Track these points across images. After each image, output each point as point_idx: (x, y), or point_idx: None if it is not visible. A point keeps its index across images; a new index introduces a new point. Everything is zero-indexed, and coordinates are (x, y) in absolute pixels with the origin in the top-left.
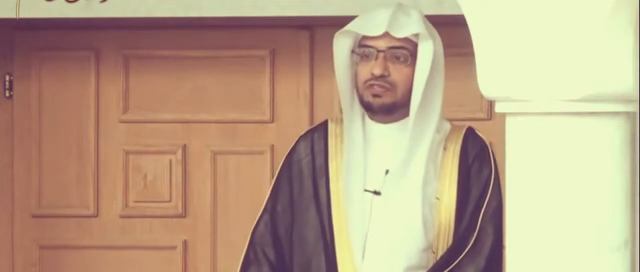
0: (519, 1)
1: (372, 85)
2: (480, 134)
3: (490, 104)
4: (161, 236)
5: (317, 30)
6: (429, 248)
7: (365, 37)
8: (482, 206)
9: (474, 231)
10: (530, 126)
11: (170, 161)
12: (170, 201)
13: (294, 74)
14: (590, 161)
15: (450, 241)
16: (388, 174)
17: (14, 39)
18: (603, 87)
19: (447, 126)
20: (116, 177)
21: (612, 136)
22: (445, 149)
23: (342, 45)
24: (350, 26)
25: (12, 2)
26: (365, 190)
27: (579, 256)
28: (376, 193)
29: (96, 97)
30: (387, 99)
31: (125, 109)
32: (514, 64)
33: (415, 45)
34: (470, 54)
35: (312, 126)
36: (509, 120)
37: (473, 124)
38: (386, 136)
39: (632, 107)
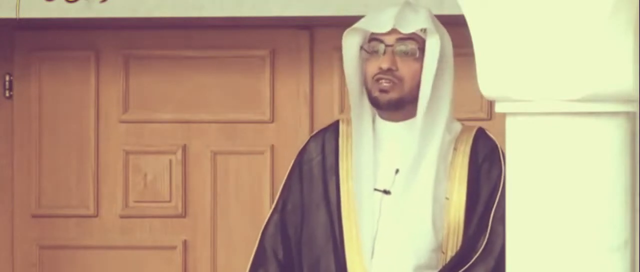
0: (519, 1)
1: (379, 80)
2: (491, 135)
3: (490, 104)
4: (161, 236)
5: (317, 30)
6: (439, 248)
7: (373, 34)
8: (492, 207)
9: (485, 232)
10: (530, 126)
11: (170, 161)
12: (170, 201)
13: (294, 74)
14: (590, 161)
15: (460, 241)
16: (398, 174)
17: (14, 39)
18: (603, 87)
19: (458, 127)
20: (116, 177)
21: (612, 136)
22: (455, 149)
23: (351, 43)
24: (358, 24)
25: (12, 2)
26: (375, 189)
27: (579, 256)
28: (386, 192)
29: (96, 97)
30: (394, 95)
31: (125, 109)
32: (514, 64)
33: (424, 41)
34: (470, 54)
35: (323, 127)
36: (509, 120)
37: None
38: (395, 135)
39: (632, 107)
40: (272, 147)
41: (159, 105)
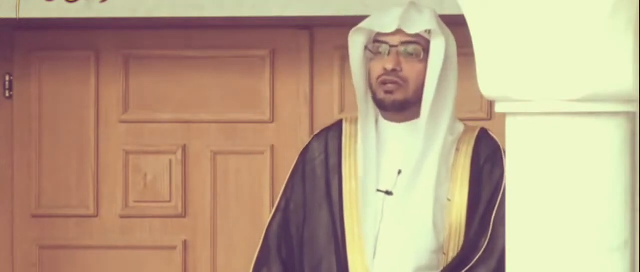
0: (519, 1)
1: (384, 81)
2: (494, 136)
3: (490, 104)
4: (161, 236)
5: (317, 30)
6: (440, 249)
7: (378, 34)
8: (493, 208)
9: (486, 233)
10: (530, 126)
11: (170, 161)
12: (170, 201)
13: (294, 74)
14: (590, 161)
15: (461, 243)
16: (400, 175)
17: (14, 39)
18: (603, 87)
19: (460, 127)
20: (116, 177)
21: (612, 136)
22: (457, 150)
23: (356, 43)
24: (363, 24)
25: (12, 2)
26: (378, 190)
27: (579, 256)
28: (388, 193)
29: (96, 97)
30: (399, 96)
31: (125, 109)
32: (514, 64)
33: (428, 42)
34: (470, 54)
35: (326, 126)
36: (509, 120)
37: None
38: (399, 136)
39: (632, 107)
40: (272, 147)
41: (159, 105)
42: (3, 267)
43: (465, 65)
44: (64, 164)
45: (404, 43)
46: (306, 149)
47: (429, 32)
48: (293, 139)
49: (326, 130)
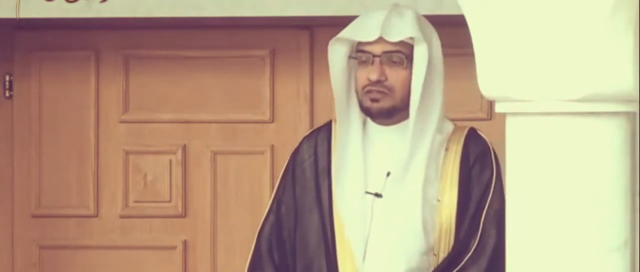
0: (519, 1)
1: (370, 91)
2: (483, 135)
3: (490, 104)
4: (161, 236)
5: (317, 30)
6: (430, 251)
7: (361, 43)
8: (483, 208)
9: (476, 234)
10: (530, 126)
11: (170, 161)
12: (170, 201)
13: (294, 74)
14: (590, 161)
15: (452, 243)
16: (389, 177)
17: (14, 39)
18: (603, 87)
19: (450, 127)
20: (116, 177)
21: (612, 136)
22: (447, 149)
23: (337, 51)
24: (344, 33)
25: (12, 2)
26: (367, 192)
27: (579, 256)
28: (377, 195)
29: (96, 97)
30: (385, 104)
31: (125, 109)
32: (514, 64)
33: (412, 47)
34: (470, 54)
35: (316, 127)
36: (509, 120)
37: (473, 124)
38: (387, 138)
39: (632, 107)
40: (272, 147)
41: (159, 105)
42: (3, 267)
43: (465, 65)
44: (64, 164)
45: (387, 52)
46: (296, 151)
47: (412, 37)
48: (293, 139)
49: (316, 131)
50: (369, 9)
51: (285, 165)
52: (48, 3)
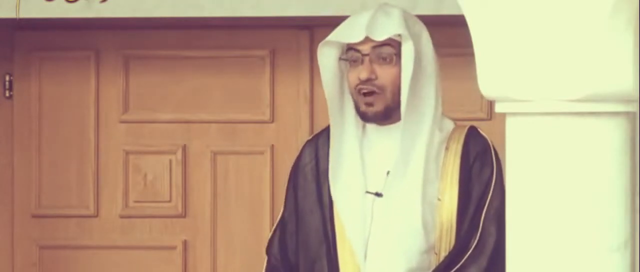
0: (519, 1)
1: (361, 91)
2: (483, 133)
3: (490, 104)
4: (161, 236)
5: (317, 30)
6: (431, 249)
7: (350, 42)
8: (484, 207)
9: (476, 232)
10: (530, 126)
11: (170, 161)
12: (170, 201)
13: (294, 74)
14: (590, 161)
15: (453, 242)
16: (389, 176)
17: (14, 39)
18: (603, 87)
19: (450, 125)
20: (116, 177)
21: (612, 136)
22: (447, 148)
23: (327, 55)
24: (331, 36)
25: (12, 2)
26: (367, 192)
27: (578, 256)
28: (378, 195)
29: (96, 97)
30: (379, 107)
31: (125, 109)
32: (514, 64)
33: (400, 45)
34: (470, 54)
35: (317, 132)
36: (509, 120)
37: (473, 124)
38: (386, 137)
39: (632, 107)
40: (272, 147)
41: (159, 105)
42: (3, 267)
43: (465, 65)
44: (64, 164)
45: (375, 48)
46: (299, 157)
47: (399, 34)
48: (293, 139)
49: (317, 136)
50: (369, 8)
51: (288, 174)
52: (48, 3)
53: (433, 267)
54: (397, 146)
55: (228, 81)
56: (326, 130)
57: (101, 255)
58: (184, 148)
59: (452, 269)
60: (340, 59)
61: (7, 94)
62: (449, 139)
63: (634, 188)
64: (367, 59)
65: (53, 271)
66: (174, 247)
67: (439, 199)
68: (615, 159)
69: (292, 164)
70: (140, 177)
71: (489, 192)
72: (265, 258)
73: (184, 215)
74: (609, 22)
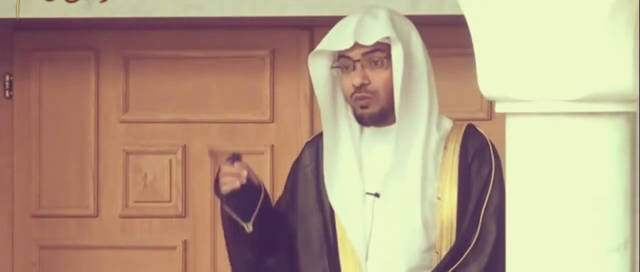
0: (519, 1)
1: (356, 97)
2: (481, 131)
3: (490, 104)
4: (161, 236)
5: (317, 30)
6: (432, 248)
7: (340, 50)
8: (483, 204)
9: (476, 230)
10: (530, 126)
11: (170, 161)
12: (170, 201)
13: (294, 74)
14: (590, 161)
15: (453, 241)
16: (386, 176)
17: (14, 39)
18: (603, 87)
19: (448, 124)
20: (116, 177)
21: (612, 136)
22: (445, 148)
23: (318, 64)
24: (321, 45)
25: (12, 2)
26: (367, 193)
27: (578, 256)
28: (377, 195)
29: (96, 97)
30: (374, 109)
31: (125, 109)
32: (514, 64)
33: (390, 47)
34: (470, 54)
35: (318, 133)
36: (509, 121)
37: (471, 123)
38: (383, 139)
39: (632, 107)
40: (272, 147)
41: (159, 105)
42: (3, 267)
43: (465, 65)
44: (64, 164)
45: (365, 54)
46: (299, 156)
47: (388, 37)
48: (293, 139)
49: (317, 137)
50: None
51: (289, 172)
52: (48, 3)
53: (434, 265)
54: (394, 147)
55: (228, 81)
56: None
57: (101, 255)
58: (184, 148)
59: (452, 266)
60: (332, 67)
61: (7, 94)
62: (448, 138)
63: (634, 188)
64: (358, 64)
65: (53, 271)
66: (174, 247)
67: (438, 198)
68: (615, 159)
69: (292, 164)
70: (140, 177)
71: (488, 190)
72: None
73: (184, 215)
74: (608, 22)
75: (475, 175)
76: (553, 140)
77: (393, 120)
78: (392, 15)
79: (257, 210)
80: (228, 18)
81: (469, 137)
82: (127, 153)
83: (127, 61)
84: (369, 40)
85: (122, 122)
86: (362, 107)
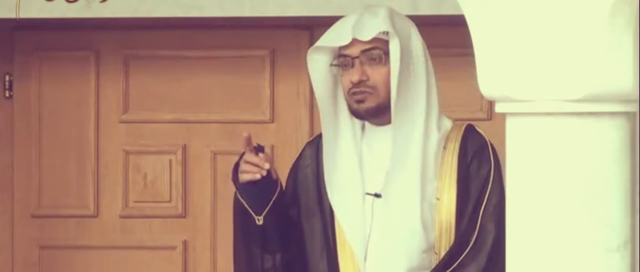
0: (519, 1)
1: (354, 93)
2: (481, 131)
3: (490, 104)
4: (161, 236)
5: (317, 30)
6: (431, 249)
7: (340, 48)
8: (482, 204)
9: (475, 230)
10: (530, 126)
11: (170, 161)
12: (170, 201)
13: (294, 74)
14: (590, 161)
15: (452, 241)
16: (386, 176)
17: (14, 39)
18: (603, 87)
19: (448, 124)
20: (116, 177)
21: (612, 136)
22: (445, 148)
23: (316, 61)
24: (320, 42)
25: (12, 2)
26: (367, 193)
27: (578, 256)
28: (377, 196)
29: (96, 97)
30: (370, 103)
31: (125, 109)
32: (514, 64)
33: (388, 43)
34: (470, 54)
35: (318, 133)
36: (509, 121)
37: (470, 123)
38: (383, 137)
39: (632, 107)
40: (272, 147)
41: (159, 105)
42: (3, 267)
43: (465, 65)
44: (64, 164)
45: (364, 51)
46: (300, 156)
47: (387, 33)
48: (293, 139)
49: (317, 138)
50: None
51: (289, 171)
52: (48, 3)
53: (433, 266)
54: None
55: (228, 81)
56: None
57: (101, 255)
58: (184, 148)
59: (451, 267)
60: (331, 65)
61: (7, 94)
62: (447, 138)
63: (634, 188)
64: (357, 61)
65: (53, 271)
66: (174, 247)
67: (437, 199)
68: (615, 159)
69: (291, 164)
70: (140, 177)
71: (487, 190)
72: None
73: (184, 215)
74: (608, 22)
75: (474, 175)
76: (553, 140)
77: (389, 120)
78: (392, 13)
79: (270, 204)
80: (228, 18)
81: (468, 137)
82: (127, 153)
83: (127, 61)
84: (366, 36)
85: (122, 122)
86: (358, 101)
